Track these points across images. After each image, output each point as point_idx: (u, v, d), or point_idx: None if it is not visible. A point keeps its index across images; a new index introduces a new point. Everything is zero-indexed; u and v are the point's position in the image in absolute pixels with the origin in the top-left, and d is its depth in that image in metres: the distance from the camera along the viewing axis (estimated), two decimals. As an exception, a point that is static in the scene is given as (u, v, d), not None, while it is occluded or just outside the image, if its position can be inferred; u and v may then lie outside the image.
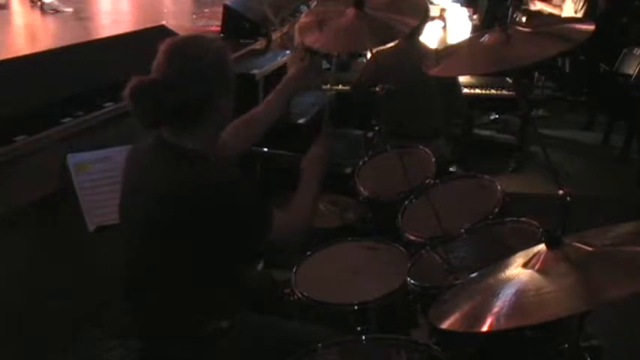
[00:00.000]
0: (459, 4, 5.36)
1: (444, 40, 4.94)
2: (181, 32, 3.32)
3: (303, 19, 2.61)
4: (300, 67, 2.33)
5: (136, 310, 1.92)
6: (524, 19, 6.10)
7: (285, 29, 4.93)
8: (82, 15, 6.65)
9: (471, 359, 1.85)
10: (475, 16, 5.58)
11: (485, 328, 1.18)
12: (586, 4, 6.08)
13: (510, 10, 6.36)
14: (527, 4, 6.48)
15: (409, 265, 2.22)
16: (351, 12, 2.23)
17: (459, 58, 1.95)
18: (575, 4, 6.18)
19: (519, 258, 1.36)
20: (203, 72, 1.72)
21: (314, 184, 2.04)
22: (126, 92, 1.69)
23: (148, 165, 1.80)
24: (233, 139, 2.13)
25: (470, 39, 2.28)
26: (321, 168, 2.11)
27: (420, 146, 2.97)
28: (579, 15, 6.02)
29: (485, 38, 1.81)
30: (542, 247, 1.31)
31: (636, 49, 5.45)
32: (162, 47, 1.74)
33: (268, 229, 1.77)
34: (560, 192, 1.73)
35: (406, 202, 2.61)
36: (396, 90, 2.76)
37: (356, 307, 2.13)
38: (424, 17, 3.67)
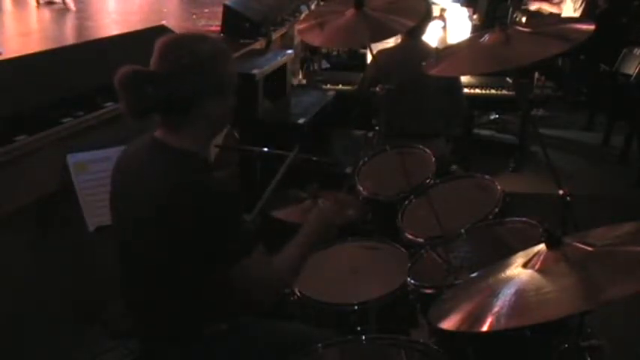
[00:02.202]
0: (459, 4, 5.35)
1: (444, 40, 4.94)
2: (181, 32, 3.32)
3: (303, 19, 2.61)
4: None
5: (134, 311, 1.92)
6: (524, 19, 6.10)
7: (285, 29, 4.94)
8: (82, 15, 6.65)
9: (470, 359, 1.85)
10: (475, 16, 5.58)
11: (485, 328, 1.18)
12: (584, 3, 6.08)
13: (510, 10, 6.36)
14: (526, 3, 6.49)
15: (409, 265, 2.22)
16: (350, 12, 2.24)
17: (459, 58, 1.95)
18: (574, 3, 6.18)
19: (519, 258, 1.36)
20: (192, 69, 1.71)
21: (307, 247, 1.89)
22: (115, 79, 1.70)
23: (141, 165, 1.80)
24: None
25: (470, 39, 2.28)
26: (320, 233, 1.95)
27: (420, 146, 2.97)
28: (577, 14, 6.03)
29: (485, 38, 1.81)
30: (542, 247, 1.32)
31: (636, 49, 5.45)
32: (158, 42, 1.75)
33: (251, 241, 1.73)
34: (560, 192, 1.73)
35: (406, 202, 2.61)
36: (397, 90, 2.76)
37: (356, 307, 2.13)
38: (426, 17, 3.67)
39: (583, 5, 6.07)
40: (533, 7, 6.43)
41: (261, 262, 1.73)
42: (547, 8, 6.37)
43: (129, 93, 1.70)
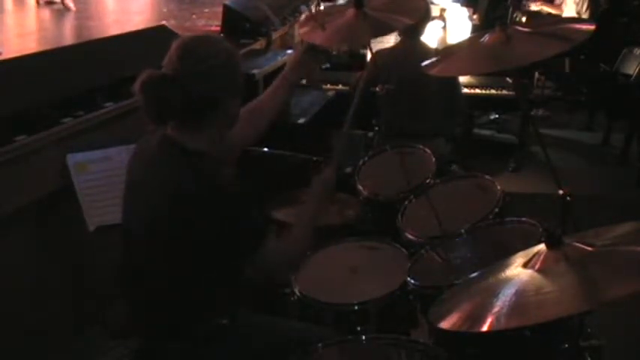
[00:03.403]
0: (459, 4, 5.36)
1: (444, 40, 4.94)
2: (181, 32, 3.32)
3: (303, 19, 2.61)
4: (300, 50, 2.29)
5: (135, 308, 1.92)
6: (524, 19, 6.10)
7: (285, 29, 4.93)
8: (82, 15, 6.65)
9: (470, 359, 1.85)
10: (475, 16, 5.58)
11: (485, 328, 1.18)
12: (590, 5, 6.08)
13: (510, 10, 6.36)
14: (527, 4, 6.48)
15: (409, 265, 2.22)
16: (350, 12, 2.24)
17: (459, 58, 1.95)
18: (577, 5, 6.17)
19: (519, 258, 1.36)
20: (212, 71, 1.73)
21: (314, 215, 2.03)
22: (136, 85, 1.70)
23: (151, 163, 1.81)
24: (242, 128, 2.05)
25: (470, 39, 2.28)
26: (325, 197, 2.09)
27: (420, 146, 2.97)
28: (585, 16, 6.01)
29: (485, 38, 1.81)
30: (542, 247, 1.31)
31: (636, 49, 5.44)
32: (175, 44, 1.76)
33: (263, 235, 1.78)
34: (560, 192, 1.73)
35: (406, 202, 2.61)
36: (397, 90, 2.75)
37: (356, 307, 2.13)
38: (425, 16, 3.67)
39: (589, 8, 6.06)
40: (534, 7, 6.42)
41: (274, 250, 1.80)
42: (548, 10, 6.37)
43: (153, 98, 1.70)
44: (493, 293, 1.25)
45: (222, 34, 4.28)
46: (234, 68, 1.80)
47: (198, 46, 1.77)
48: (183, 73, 1.71)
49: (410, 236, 2.43)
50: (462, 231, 2.30)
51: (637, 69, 5.30)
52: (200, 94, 1.73)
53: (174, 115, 1.75)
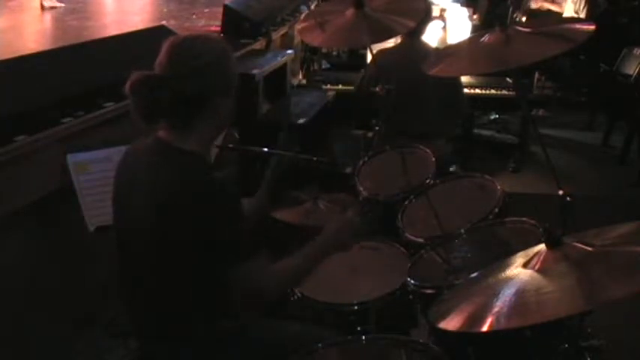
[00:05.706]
0: (459, 4, 5.36)
1: (444, 40, 4.94)
2: (181, 32, 3.31)
3: (303, 19, 2.61)
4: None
5: (134, 312, 1.92)
6: (524, 18, 6.10)
7: (285, 29, 4.93)
8: (82, 15, 6.65)
9: (470, 359, 1.85)
10: (475, 16, 5.58)
11: (485, 328, 1.18)
12: (587, 4, 6.08)
13: (510, 9, 6.36)
14: (528, 2, 6.49)
15: (409, 265, 2.22)
16: (350, 12, 2.24)
17: (459, 58, 1.95)
18: (575, 4, 6.18)
19: (519, 258, 1.36)
20: (203, 71, 1.72)
21: (316, 259, 1.92)
22: (126, 86, 1.70)
23: (144, 165, 1.80)
24: None
25: (470, 39, 2.28)
26: (334, 246, 1.99)
27: (420, 146, 2.97)
28: (581, 15, 6.02)
29: (486, 38, 1.81)
30: (542, 247, 1.31)
31: (636, 49, 5.45)
32: (166, 44, 1.75)
33: (240, 251, 1.73)
34: (560, 192, 1.73)
35: (406, 202, 2.61)
36: (397, 90, 2.76)
37: (356, 307, 2.13)
38: (426, 17, 3.67)
39: (586, 7, 6.07)
40: (534, 5, 6.43)
41: (260, 271, 1.72)
42: (548, 6, 6.37)
43: (142, 99, 1.70)
44: (493, 293, 1.25)
45: (222, 34, 4.28)
46: (225, 67, 1.79)
47: (188, 45, 1.76)
48: (172, 73, 1.71)
49: (410, 236, 2.43)
50: (462, 231, 2.30)
51: (637, 69, 5.31)
52: (189, 94, 1.71)
53: (164, 115, 1.74)
